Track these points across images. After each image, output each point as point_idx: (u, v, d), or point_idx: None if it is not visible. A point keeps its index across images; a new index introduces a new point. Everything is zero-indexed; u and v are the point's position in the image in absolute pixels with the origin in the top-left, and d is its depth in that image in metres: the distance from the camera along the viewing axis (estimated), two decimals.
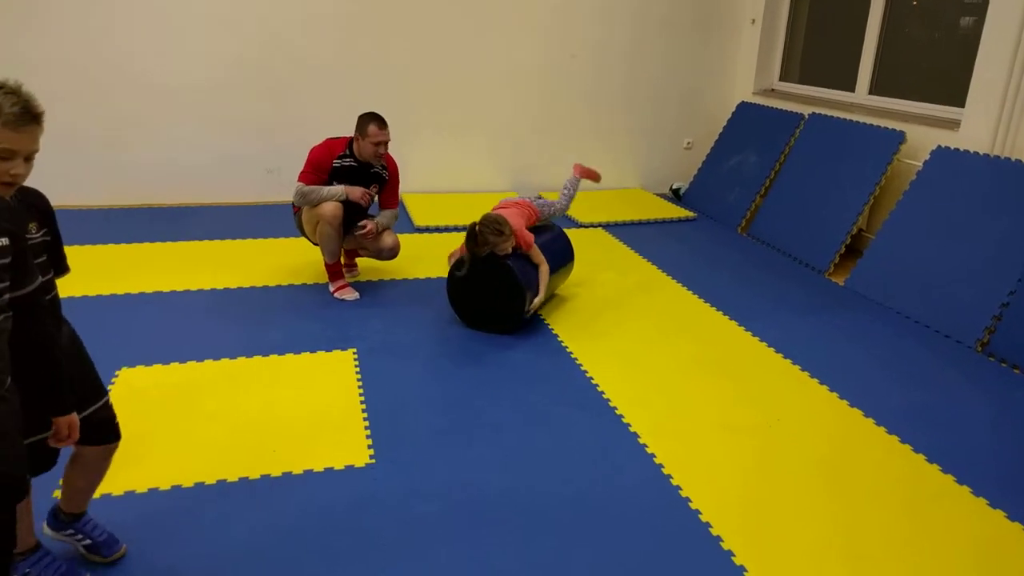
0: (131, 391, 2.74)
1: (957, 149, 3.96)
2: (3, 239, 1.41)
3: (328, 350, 3.16)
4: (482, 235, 3.23)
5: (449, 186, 5.80)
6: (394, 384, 2.90)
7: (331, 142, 3.69)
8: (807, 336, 3.48)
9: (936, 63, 4.62)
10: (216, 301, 3.64)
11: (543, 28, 5.66)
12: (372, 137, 3.55)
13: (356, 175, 3.67)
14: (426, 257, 4.38)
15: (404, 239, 4.66)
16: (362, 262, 4.19)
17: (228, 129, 5.29)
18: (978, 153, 3.84)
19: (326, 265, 3.82)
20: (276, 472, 2.31)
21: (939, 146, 4.07)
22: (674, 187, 6.13)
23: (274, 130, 5.35)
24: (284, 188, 5.49)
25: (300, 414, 2.66)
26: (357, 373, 2.96)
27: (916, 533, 2.15)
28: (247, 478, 2.28)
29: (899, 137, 4.33)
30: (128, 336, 3.20)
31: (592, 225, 5.19)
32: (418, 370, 3.03)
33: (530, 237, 3.39)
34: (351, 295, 3.78)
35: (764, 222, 5.03)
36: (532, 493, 2.27)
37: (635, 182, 6.25)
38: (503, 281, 3.29)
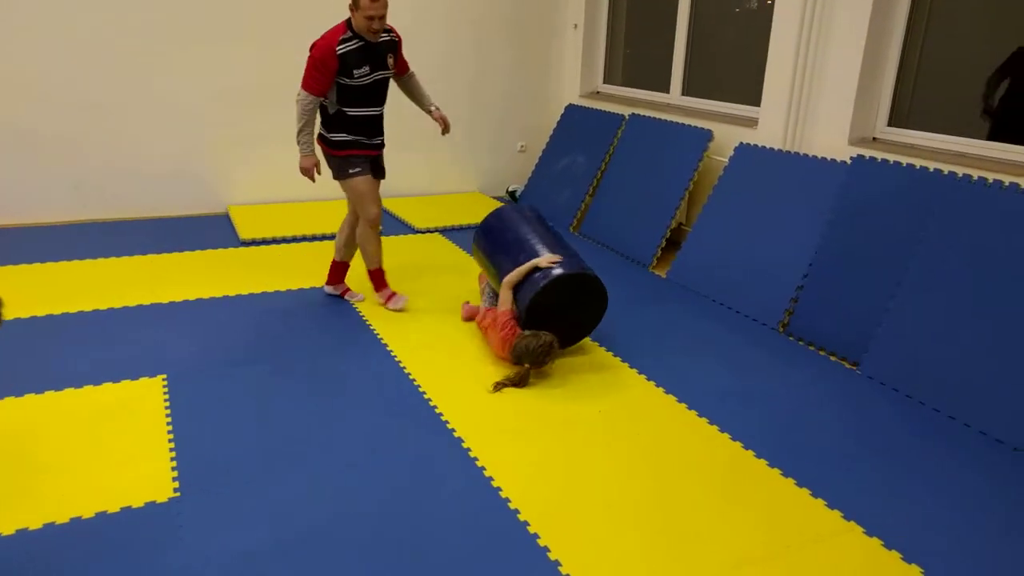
0: None
1: (756, 145, 4.28)
2: None
3: (134, 378, 2.93)
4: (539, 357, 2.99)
5: (281, 196, 5.58)
6: (208, 410, 2.73)
7: (329, 33, 3.32)
8: (628, 328, 3.62)
9: (740, 65, 4.96)
10: (3, 334, 3.29)
11: None
12: (364, 10, 3.21)
13: (368, 54, 3.35)
14: (250, 272, 4.18)
15: (226, 255, 4.47)
16: (171, 281, 3.94)
17: (27, 143, 4.81)
18: (773, 148, 4.16)
19: (369, 272, 3.73)
20: (63, 519, 2.11)
21: (741, 143, 4.37)
22: (510, 189, 6.23)
23: (81, 144, 4.93)
24: (93, 205, 5.07)
25: (97, 452, 2.45)
26: (166, 401, 2.77)
27: (730, 512, 2.28)
28: (27, 529, 2.06)
29: (707, 135, 4.62)
30: None
31: (428, 230, 5.17)
32: (236, 393, 2.88)
33: (507, 329, 3.13)
34: (402, 303, 3.70)
35: (594, 220, 5.21)
36: (355, 513, 2.20)
37: (474, 186, 6.29)
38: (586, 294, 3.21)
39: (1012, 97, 3.44)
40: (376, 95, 3.52)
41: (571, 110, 5.99)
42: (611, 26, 5.98)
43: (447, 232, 5.14)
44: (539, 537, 2.12)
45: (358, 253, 3.79)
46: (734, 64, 4.97)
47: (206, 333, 3.38)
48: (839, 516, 2.26)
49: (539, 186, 5.94)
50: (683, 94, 5.26)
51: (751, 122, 4.47)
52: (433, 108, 3.80)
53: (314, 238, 4.85)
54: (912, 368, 3.07)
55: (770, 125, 4.25)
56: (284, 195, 5.59)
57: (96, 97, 4.88)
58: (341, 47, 3.29)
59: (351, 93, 3.41)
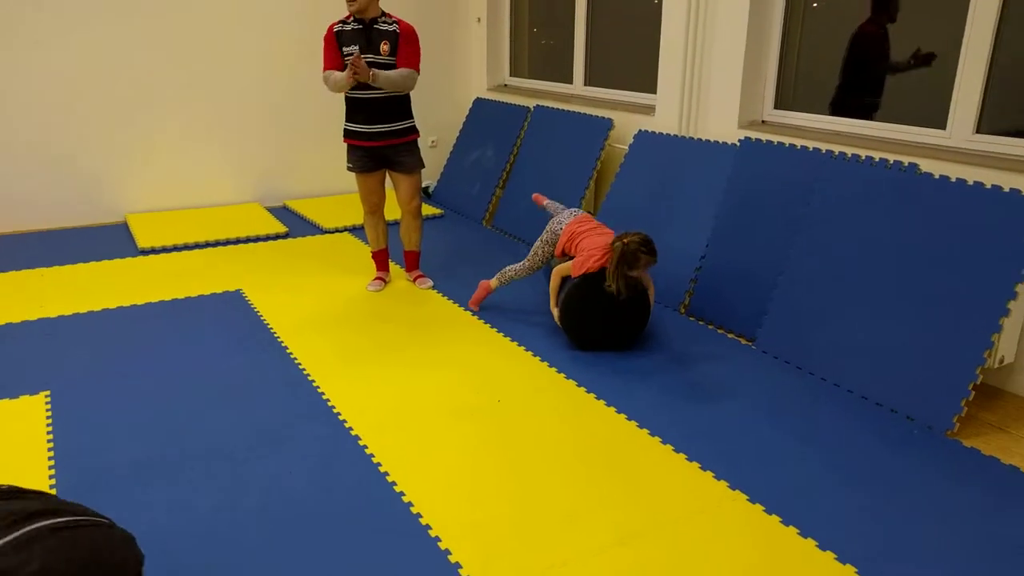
0: None
1: (654, 132, 4.37)
2: None
3: (14, 397, 2.80)
4: (636, 256, 3.05)
5: (184, 202, 5.41)
6: (95, 423, 2.63)
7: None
8: (528, 319, 3.66)
9: (638, 55, 5.04)
10: None
11: (276, 30, 5.44)
12: None
13: (361, 36, 3.64)
14: (148, 281, 4.05)
15: (123, 264, 4.32)
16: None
17: None
18: (669, 134, 4.26)
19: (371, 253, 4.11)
20: None
21: (641, 130, 4.46)
22: (423, 185, 6.19)
23: None
24: None
25: None
26: (48, 417, 2.66)
27: (620, 488, 2.33)
28: None
29: (608, 124, 4.69)
30: None
31: (338, 230, 5.10)
32: (125, 405, 2.77)
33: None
34: (374, 287, 4.01)
35: (505, 213, 5.23)
36: (240, 515, 2.16)
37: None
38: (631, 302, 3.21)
39: (858, 76, 3.70)
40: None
41: (479, 103, 6.00)
42: (514, 19, 6.02)
43: (355, 231, 5.08)
44: (431, 528, 2.13)
45: (410, 237, 4.08)
46: (632, 53, 5.05)
47: (97, 346, 3.25)
48: (726, 486, 2.33)
49: (451, 181, 5.93)
50: (585, 84, 5.33)
51: (649, 109, 4.56)
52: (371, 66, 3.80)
53: (217, 243, 4.73)
54: (801, 340, 3.19)
55: (666, 112, 4.34)
56: (186, 202, 5.43)
57: None
58: (339, 26, 3.68)
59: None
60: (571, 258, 3.35)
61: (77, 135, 4.98)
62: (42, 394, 2.82)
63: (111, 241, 4.75)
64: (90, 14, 4.83)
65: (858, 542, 2.08)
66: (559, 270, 3.37)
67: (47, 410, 2.71)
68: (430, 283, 4.06)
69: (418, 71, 3.75)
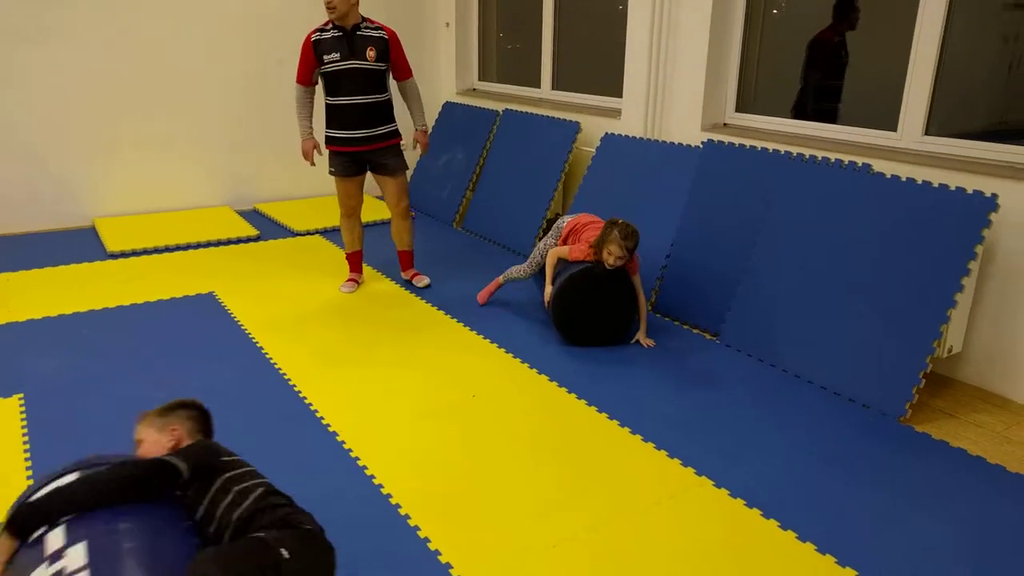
0: None
1: (621, 134, 4.48)
2: None
3: None
4: (610, 231, 3.24)
5: (153, 206, 5.38)
6: (72, 427, 2.64)
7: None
8: (502, 319, 3.73)
9: (604, 60, 5.16)
10: None
11: (249, 33, 5.45)
12: None
13: (342, 43, 3.60)
14: (119, 285, 4.04)
15: (93, 268, 4.30)
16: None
17: None
18: (635, 137, 4.37)
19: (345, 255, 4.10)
20: None
21: (607, 133, 4.57)
22: None
23: None
24: None
25: None
26: (23, 422, 2.66)
27: (591, 477, 2.42)
28: None
29: (575, 127, 4.80)
30: None
31: (309, 233, 5.13)
32: (102, 409, 2.79)
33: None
34: (347, 288, 4.01)
35: (475, 215, 5.31)
36: None
37: None
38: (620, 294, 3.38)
39: (817, 82, 3.89)
40: (348, 84, 3.66)
41: (448, 107, 6.07)
42: (483, 23, 6.10)
43: (327, 233, 5.11)
44: (410, 518, 2.19)
45: (401, 238, 4.13)
46: (599, 58, 5.17)
47: (70, 349, 3.25)
48: (692, 472, 2.43)
49: (421, 184, 5.98)
50: (553, 88, 5.43)
51: (615, 113, 4.67)
52: (418, 128, 3.91)
53: (188, 247, 4.73)
54: (763, 335, 3.31)
55: (632, 115, 4.46)
56: (155, 206, 5.40)
57: None
58: (317, 35, 3.64)
59: (325, 80, 3.69)
60: None
61: (46, 138, 4.93)
62: (15, 397, 2.82)
63: (79, 245, 4.72)
64: (57, 20, 4.80)
65: (818, 522, 2.19)
66: (556, 251, 3.49)
67: (22, 415, 2.71)
68: (427, 280, 4.12)
69: (412, 74, 3.90)
